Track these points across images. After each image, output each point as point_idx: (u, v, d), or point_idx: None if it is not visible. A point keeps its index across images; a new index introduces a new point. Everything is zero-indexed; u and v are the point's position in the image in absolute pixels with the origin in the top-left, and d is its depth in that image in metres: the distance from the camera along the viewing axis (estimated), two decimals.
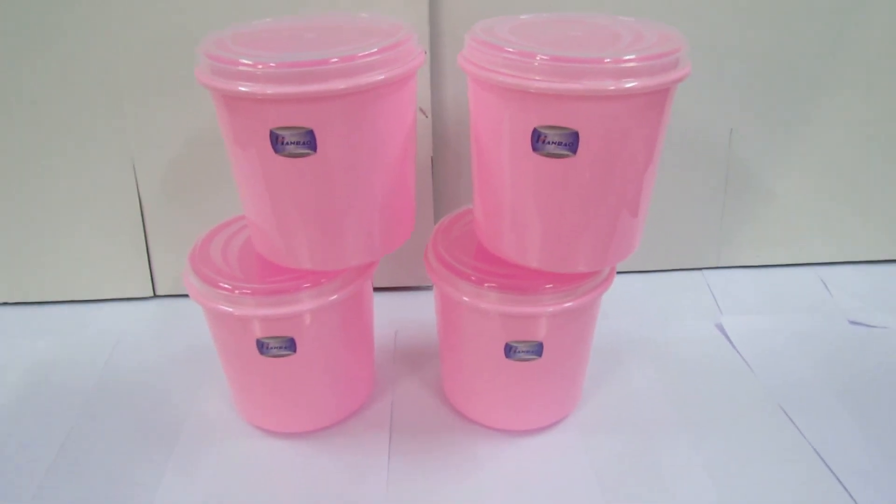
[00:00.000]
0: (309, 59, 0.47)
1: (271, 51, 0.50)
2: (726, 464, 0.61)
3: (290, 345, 0.57)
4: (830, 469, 0.61)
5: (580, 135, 0.47)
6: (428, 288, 0.89)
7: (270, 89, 0.46)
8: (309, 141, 0.49)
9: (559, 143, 0.48)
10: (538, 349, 0.58)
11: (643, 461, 0.62)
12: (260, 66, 0.47)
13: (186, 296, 0.79)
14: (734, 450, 0.63)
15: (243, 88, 0.47)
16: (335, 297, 0.57)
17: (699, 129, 0.84)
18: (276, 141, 0.49)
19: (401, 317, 0.83)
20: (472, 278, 0.56)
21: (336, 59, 0.47)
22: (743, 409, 0.68)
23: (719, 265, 0.91)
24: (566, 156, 0.48)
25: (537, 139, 0.48)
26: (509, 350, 0.58)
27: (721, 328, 0.80)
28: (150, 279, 0.86)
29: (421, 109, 0.80)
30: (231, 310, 0.56)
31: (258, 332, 0.57)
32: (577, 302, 0.56)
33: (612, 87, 0.45)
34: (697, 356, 0.76)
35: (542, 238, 0.53)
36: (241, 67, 0.47)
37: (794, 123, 0.84)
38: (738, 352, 0.76)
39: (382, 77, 0.49)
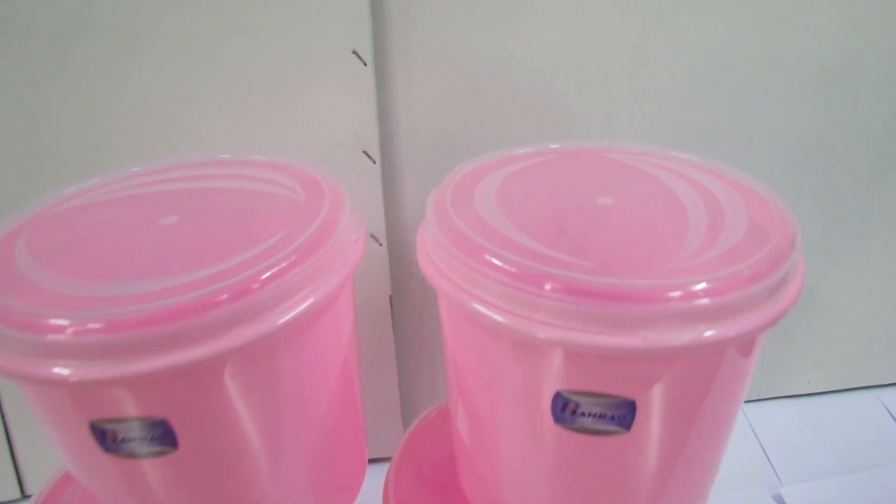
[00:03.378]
0: (158, 308, 0.26)
1: (88, 276, 0.28)
2: None
3: None
4: None
5: (637, 405, 0.28)
6: None
7: (85, 372, 0.25)
8: (161, 435, 0.28)
9: (602, 417, 0.28)
10: None
11: None
12: (66, 333, 0.25)
13: None
14: None
15: (40, 371, 0.26)
16: None
17: None
18: (104, 437, 0.28)
19: None
20: None
21: (207, 297, 0.26)
22: None
23: (761, 397, 0.72)
24: (614, 433, 0.28)
25: (563, 408, 0.28)
26: None
27: (780, 501, 0.62)
28: (17, 478, 0.64)
29: (373, 237, 0.60)
30: None
31: None
32: None
33: (686, 341, 0.25)
34: None
35: None
36: (28, 337, 0.26)
37: (850, 222, 0.66)
38: None
39: (298, 312, 0.28)
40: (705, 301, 0.25)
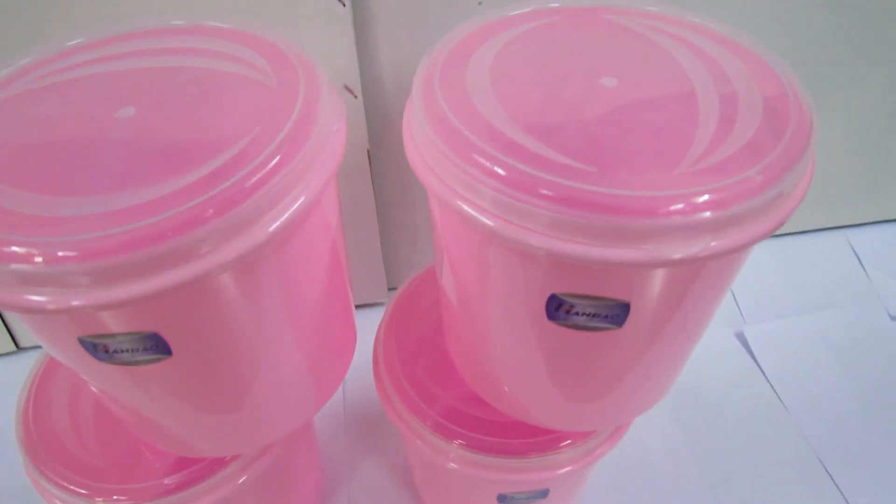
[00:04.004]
0: (137, 230, 0.23)
1: (45, 190, 0.25)
2: None
3: None
4: None
5: (632, 306, 0.28)
6: (383, 305, 0.70)
7: (64, 299, 0.24)
8: (153, 346, 0.27)
9: (596, 316, 0.28)
10: (542, 493, 0.43)
11: None
12: (32, 263, 0.23)
13: None
14: None
15: (13, 298, 0.24)
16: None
17: None
18: (96, 350, 0.27)
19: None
20: (442, 430, 0.39)
21: (189, 214, 0.24)
22: (772, 463, 0.56)
23: None
24: (606, 329, 0.29)
25: (557, 307, 0.28)
26: (504, 500, 0.43)
27: (742, 339, 0.66)
28: (7, 331, 0.64)
29: (347, 88, 0.55)
30: None
31: None
32: (583, 463, 0.39)
33: (691, 253, 0.25)
34: (717, 385, 0.62)
35: (551, 404, 0.35)
36: None
37: (835, 65, 0.63)
38: (765, 376, 0.63)
39: (287, 217, 0.26)
40: (713, 212, 0.24)
